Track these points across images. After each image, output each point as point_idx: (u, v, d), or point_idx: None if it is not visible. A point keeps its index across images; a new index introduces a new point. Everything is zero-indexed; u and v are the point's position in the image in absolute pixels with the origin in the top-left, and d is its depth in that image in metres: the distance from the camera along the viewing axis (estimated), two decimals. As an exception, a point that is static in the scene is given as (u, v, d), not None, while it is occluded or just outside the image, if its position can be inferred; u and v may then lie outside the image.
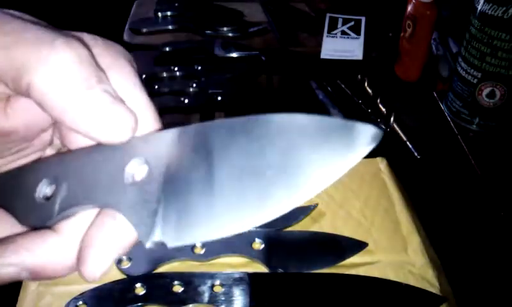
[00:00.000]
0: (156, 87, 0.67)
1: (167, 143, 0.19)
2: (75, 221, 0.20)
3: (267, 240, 0.45)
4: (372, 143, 0.16)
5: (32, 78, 0.18)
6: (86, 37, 0.21)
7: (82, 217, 0.20)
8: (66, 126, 0.19)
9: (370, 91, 0.68)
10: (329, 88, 0.66)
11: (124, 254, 0.21)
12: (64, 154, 0.22)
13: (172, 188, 0.19)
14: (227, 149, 0.18)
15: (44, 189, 0.21)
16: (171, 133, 0.20)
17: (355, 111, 0.65)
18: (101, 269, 0.19)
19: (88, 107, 0.19)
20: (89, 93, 0.19)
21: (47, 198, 0.21)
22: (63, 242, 0.20)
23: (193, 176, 0.19)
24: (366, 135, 0.16)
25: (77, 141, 0.21)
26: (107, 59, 0.21)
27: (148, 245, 0.19)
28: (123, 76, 0.21)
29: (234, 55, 0.75)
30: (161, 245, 0.19)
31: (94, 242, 0.19)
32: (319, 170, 0.17)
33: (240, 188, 0.18)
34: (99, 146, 0.20)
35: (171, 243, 0.18)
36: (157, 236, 0.18)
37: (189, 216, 0.18)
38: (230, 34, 0.80)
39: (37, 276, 0.20)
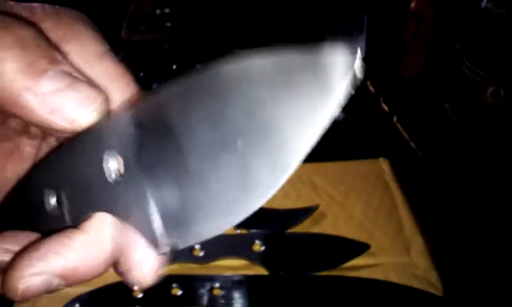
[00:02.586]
0: (154, 85, 0.66)
1: (129, 125, 0.17)
2: (98, 217, 0.19)
3: (268, 242, 0.44)
4: (347, 73, 0.13)
5: None
6: (36, 9, 0.19)
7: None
8: (23, 120, 0.17)
9: (372, 89, 0.67)
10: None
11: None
12: (51, 155, 0.20)
13: (153, 180, 0.17)
14: (188, 122, 0.16)
15: (50, 199, 0.20)
16: (129, 113, 0.18)
17: (357, 110, 0.64)
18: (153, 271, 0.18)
19: (41, 95, 0.16)
20: (38, 80, 0.16)
21: (57, 206, 0.20)
22: (92, 240, 0.18)
23: (166, 162, 0.17)
24: (338, 65, 0.13)
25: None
26: (61, 30, 0.19)
27: (161, 251, 0.18)
28: (82, 46, 0.19)
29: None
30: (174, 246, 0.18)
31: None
32: (294, 128, 0.14)
33: (217, 179, 0.15)
34: (75, 138, 0.18)
35: (182, 244, 0.18)
36: (165, 238, 0.18)
37: (185, 215, 0.17)
38: (229, 31, 0.79)
39: (70, 280, 0.18)
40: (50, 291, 0.18)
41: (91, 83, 0.18)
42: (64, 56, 0.18)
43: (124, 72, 0.20)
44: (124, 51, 0.73)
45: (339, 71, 0.13)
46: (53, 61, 0.17)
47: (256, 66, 0.14)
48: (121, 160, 0.18)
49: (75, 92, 0.17)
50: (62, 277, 0.18)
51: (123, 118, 0.18)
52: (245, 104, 0.15)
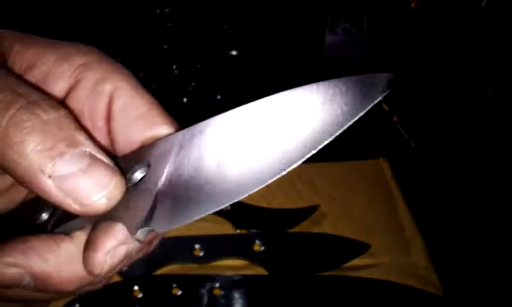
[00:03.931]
0: (154, 86, 0.66)
1: (172, 144, 0.19)
2: (85, 235, 0.19)
3: (268, 242, 0.44)
4: (386, 88, 0.17)
5: None
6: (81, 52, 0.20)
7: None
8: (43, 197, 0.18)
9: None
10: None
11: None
12: None
13: (170, 181, 0.18)
14: (233, 134, 0.18)
15: (43, 217, 0.20)
16: (180, 134, 0.19)
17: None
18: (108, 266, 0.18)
19: (55, 178, 0.17)
20: (54, 163, 0.17)
21: (45, 221, 0.20)
22: (77, 252, 0.18)
23: (193, 164, 0.18)
24: (380, 81, 0.17)
25: None
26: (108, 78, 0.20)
27: (137, 237, 0.18)
28: (126, 81, 0.20)
29: (234, 53, 0.74)
30: (151, 232, 0.18)
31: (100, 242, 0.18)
32: (330, 116, 0.17)
33: (244, 156, 0.17)
34: None
35: (163, 229, 0.18)
36: (147, 225, 0.18)
37: (183, 198, 0.18)
38: (230, 32, 0.79)
39: (40, 285, 0.18)
40: (14, 286, 0.18)
41: (107, 166, 0.18)
42: (87, 136, 0.18)
43: (160, 109, 0.21)
44: (124, 51, 0.73)
45: (380, 88, 0.17)
46: (72, 144, 0.17)
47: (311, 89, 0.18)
48: (145, 170, 0.19)
49: (88, 177, 0.17)
50: (34, 278, 0.18)
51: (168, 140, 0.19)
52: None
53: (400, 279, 0.43)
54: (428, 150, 0.59)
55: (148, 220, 0.18)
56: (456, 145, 0.61)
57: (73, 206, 0.17)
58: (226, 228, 0.46)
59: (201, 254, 0.43)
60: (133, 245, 0.18)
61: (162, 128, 0.20)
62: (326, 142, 0.16)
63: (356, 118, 0.17)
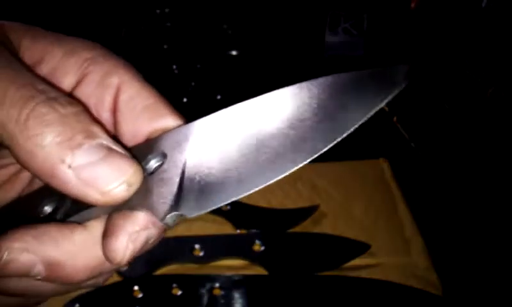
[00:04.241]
0: (154, 86, 0.66)
1: (186, 134, 0.19)
2: (100, 224, 0.19)
3: (268, 242, 0.44)
4: (406, 79, 0.18)
5: (12, 144, 0.17)
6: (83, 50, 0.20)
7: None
8: (61, 191, 0.18)
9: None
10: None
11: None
12: None
13: (193, 169, 0.19)
14: (253, 121, 0.19)
15: (46, 209, 0.20)
16: (191, 125, 0.20)
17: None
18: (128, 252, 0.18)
19: (74, 168, 0.17)
20: (73, 153, 0.17)
21: (49, 214, 0.20)
22: (92, 240, 0.18)
23: (215, 152, 0.19)
24: (400, 72, 0.18)
25: None
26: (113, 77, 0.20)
27: (166, 222, 0.18)
28: (132, 77, 0.21)
29: (234, 53, 0.74)
30: (181, 217, 0.19)
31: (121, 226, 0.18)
32: (354, 105, 0.18)
33: (270, 145, 0.18)
34: None
35: (192, 213, 0.18)
36: (176, 210, 0.18)
37: (210, 184, 0.18)
38: (230, 32, 0.79)
39: (51, 274, 0.18)
40: (25, 275, 0.17)
41: (124, 155, 0.18)
42: (103, 130, 0.18)
43: (166, 104, 0.21)
44: (124, 51, 0.73)
45: (401, 77, 0.18)
46: (89, 136, 0.18)
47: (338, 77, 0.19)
48: (162, 159, 0.19)
49: (107, 165, 0.18)
50: (47, 266, 0.18)
51: (182, 129, 0.20)
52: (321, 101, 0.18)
53: (400, 279, 0.43)
54: (428, 150, 0.59)
55: (176, 205, 0.18)
56: (456, 145, 0.61)
57: (93, 195, 0.17)
58: (226, 228, 0.46)
59: (201, 254, 0.43)
60: (154, 231, 0.19)
61: (168, 120, 0.21)
62: (348, 132, 0.18)
63: (374, 111, 0.18)
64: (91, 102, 0.21)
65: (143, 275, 0.42)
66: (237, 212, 0.47)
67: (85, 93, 0.21)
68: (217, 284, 0.41)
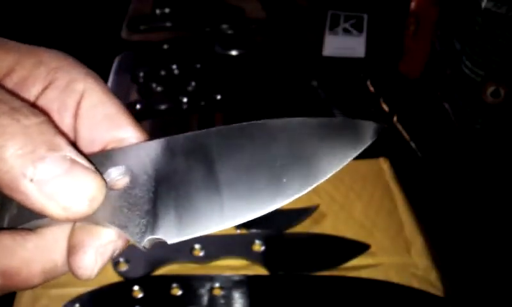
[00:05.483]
0: (154, 85, 0.66)
1: (152, 151, 0.19)
2: (58, 227, 0.19)
3: (268, 242, 0.44)
4: (374, 136, 0.19)
5: None
6: (47, 61, 0.20)
7: (65, 226, 0.19)
8: (24, 205, 0.18)
9: (372, 89, 0.67)
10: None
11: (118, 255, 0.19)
12: None
13: (167, 189, 0.19)
14: (228, 149, 0.19)
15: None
16: (156, 143, 0.20)
17: (358, 110, 0.64)
18: (95, 269, 0.18)
19: (36, 182, 0.17)
20: (35, 166, 0.17)
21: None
22: (45, 245, 0.18)
23: (191, 175, 0.19)
24: (369, 128, 0.19)
25: None
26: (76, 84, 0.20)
27: (144, 244, 0.18)
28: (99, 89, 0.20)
29: (234, 53, 0.74)
30: (159, 243, 0.18)
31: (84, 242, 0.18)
32: (327, 156, 0.19)
33: (248, 178, 0.18)
34: None
35: (172, 239, 0.18)
36: (153, 234, 0.18)
37: (190, 210, 0.18)
38: (230, 32, 0.79)
39: (8, 282, 0.18)
40: None
41: (87, 168, 0.18)
42: (67, 141, 0.18)
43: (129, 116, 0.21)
44: (124, 51, 0.73)
45: (369, 133, 0.19)
46: (52, 148, 0.17)
47: (303, 120, 0.19)
48: (127, 175, 0.19)
49: (69, 179, 0.17)
50: (2, 275, 0.18)
51: (148, 145, 0.20)
52: (290, 140, 0.19)
53: (400, 279, 0.43)
54: (428, 150, 0.59)
55: (152, 228, 0.18)
56: (455, 145, 0.61)
57: (55, 210, 0.17)
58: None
59: (201, 254, 0.43)
60: (120, 243, 0.19)
61: (127, 130, 0.21)
62: (321, 181, 0.19)
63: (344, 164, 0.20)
64: (54, 106, 0.21)
65: (143, 275, 0.42)
66: (237, 212, 0.47)
67: (49, 97, 0.21)
68: (217, 284, 0.41)
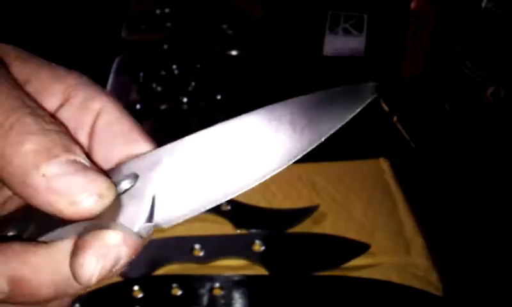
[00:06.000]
0: (154, 85, 0.66)
1: (158, 158, 0.20)
2: (70, 240, 0.19)
3: (268, 242, 0.44)
4: (374, 93, 0.19)
5: None
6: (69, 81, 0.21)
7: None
8: (29, 201, 0.18)
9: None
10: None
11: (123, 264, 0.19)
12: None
13: (165, 180, 0.19)
14: (230, 140, 0.19)
15: (9, 234, 0.19)
16: (163, 148, 0.20)
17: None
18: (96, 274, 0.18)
19: (48, 177, 0.17)
20: (48, 162, 0.17)
21: (12, 236, 0.19)
22: (57, 255, 0.18)
23: (189, 167, 0.19)
24: (368, 87, 0.19)
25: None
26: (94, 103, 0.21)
27: (138, 229, 0.18)
28: (109, 103, 0.21)
29: (234, 53, 0.74)
30: (154, 228, 0.19)
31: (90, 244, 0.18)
32: (329, 113, 0.19)
33: (249, 147, 0.19)
34: None
35: (166, 223, 0.19)
36: (149, 221, 0.18)
37: (184, 194, 0.19)
38: (230, 32, 0.79)
39: (16, 290, 0.18)
40: None
41: (99, 172, 0.18)
42: (81, 149, 0.19)
43: (141, 132, 0.21)
44: (124, 51, 0.73)
45: (370, 89, 0.20)
46: (68, 150, 0.18)
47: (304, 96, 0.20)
48: (133, 180, 0.19)
49: (81, 177, 0.18)
50: (11, 282, 0.17)
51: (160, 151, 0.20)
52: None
53: (400, 279, 0.43)
54: (428, 150, 0.59)
55: (149, 218, 0.18)
56: (456, 145, 0.61)
57: (62, 204, 0.17)
58: (226, 228, 0.46)
59: (201, 254, 0.43)
60: (124, 249, 0.18)
61: (142, 146, 0.21)
62: (320, 141, 0.19)
63: (344, 122, 0.19)
64: (70, 126, 0.21)
65: (143, 275, 0.42)
66: (237, 212, 0.47)
67: (66, 116, 0.21)
68: (217, 284, 0.41)
